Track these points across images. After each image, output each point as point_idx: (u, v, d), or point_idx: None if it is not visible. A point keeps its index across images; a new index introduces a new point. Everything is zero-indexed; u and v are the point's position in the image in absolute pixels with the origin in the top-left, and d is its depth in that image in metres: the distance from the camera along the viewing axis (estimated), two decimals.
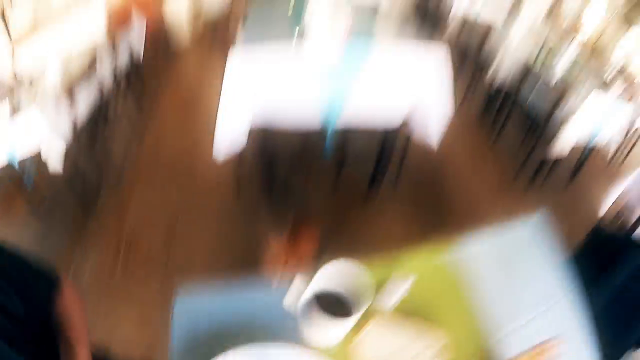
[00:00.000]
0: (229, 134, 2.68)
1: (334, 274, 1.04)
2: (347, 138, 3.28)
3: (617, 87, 3.80)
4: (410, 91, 2.76)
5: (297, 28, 2.93)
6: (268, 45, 2.69)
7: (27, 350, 1.01)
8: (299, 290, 1.06)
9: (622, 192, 2.85)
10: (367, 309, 1.03)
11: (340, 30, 2.61)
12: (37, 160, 3.06)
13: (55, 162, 3.08)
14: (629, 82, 3.94)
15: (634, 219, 2.35)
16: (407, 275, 1.19)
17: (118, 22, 4.34)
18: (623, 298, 2.12)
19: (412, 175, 3.76)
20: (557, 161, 3.97)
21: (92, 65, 3.69)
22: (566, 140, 3.63)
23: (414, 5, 9.01)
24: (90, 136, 3.74)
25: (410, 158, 3.60)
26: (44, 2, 4.53)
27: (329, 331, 1.02)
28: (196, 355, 1.01)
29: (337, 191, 3.54)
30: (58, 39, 4.05)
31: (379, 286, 1.16)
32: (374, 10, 3.76)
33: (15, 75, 3.34)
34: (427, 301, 1.17)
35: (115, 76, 4.23)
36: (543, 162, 3.98)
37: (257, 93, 2.59)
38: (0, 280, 1.02)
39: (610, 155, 4.18)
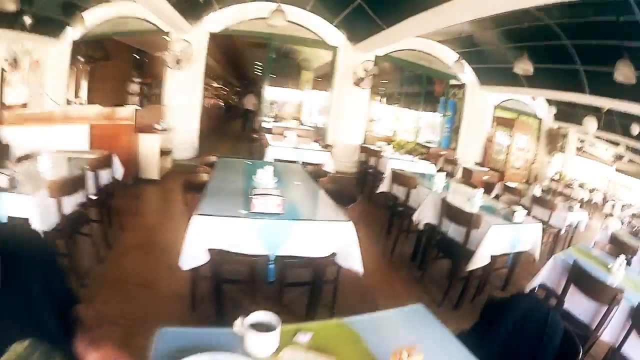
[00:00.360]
0: (192, 253, 3.19)
1: (261, 315, 1.68)
2: (286, 267, 3.74)
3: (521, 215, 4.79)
4: (330, 241, 3.49)
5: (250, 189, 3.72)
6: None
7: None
8: (241, 324, 1.64)
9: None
10: (286, 343, 1.65)
11: (276, 199, 3.37)
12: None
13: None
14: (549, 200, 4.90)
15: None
16: (314, 326, 1.84)
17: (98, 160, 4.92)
18: (516, 343, 2.35)
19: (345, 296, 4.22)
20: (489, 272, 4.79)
21: (81, 180, 4.23)
22: (481, 257, 4.38)
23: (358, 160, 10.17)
24: (70, 232, 4.09)
25: (342, 283, 4.10)
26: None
27: (261, 344, 1.58)
28: None
29: (280, 311, 3.83)
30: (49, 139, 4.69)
31: (297, 330, 1.76)
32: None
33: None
34: (329, 343, 1.74)
35: (97, 194, 4.81)
36: (469, 277, 4.62)
37: (216, 230, 3.20)
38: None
39: (535, 257, 4.97)
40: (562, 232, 7.52)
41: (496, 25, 9.62)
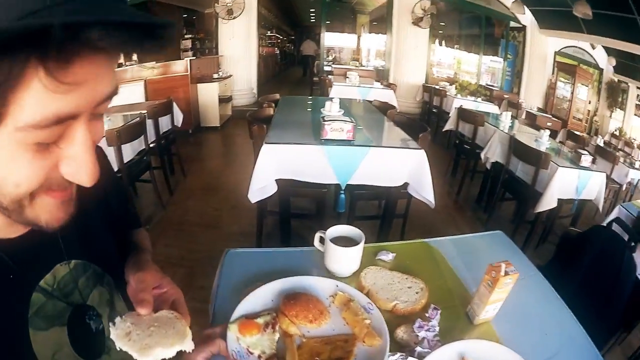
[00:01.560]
0: (261, 184, 3.11)
1: (342, 228, 1.52)
2: (356, 198, 3.62)
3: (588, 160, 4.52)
4: (403, 170, 3.36)
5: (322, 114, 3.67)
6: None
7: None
8: (320, 239, 1.51)
9: None
10: (368, 263, 1.52)
11: (347, 125, 3.24)
12: None
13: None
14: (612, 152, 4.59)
15: None
16: (396, 246, 1.70)
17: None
18: (595, 279, 2.26)
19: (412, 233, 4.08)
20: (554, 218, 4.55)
21: (140, 127, 4.19)
22: (549, 199, 4.17)
23: (422, 100, 9.92)
24: (130, 180, 4.13)
25: (409, 221, 4.03)
26: None
27: (344, 260, 1.45)
28: (236, 296, 1.29)
29: None
30: None
31: (379, 250, 1.63)
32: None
33: None
34: (412, 262, 1.61)
35: (156, 141, 4.80)
36: (535, 221, 4.44)
37: (285, 158, 3.13)
38: None
39: (598, 207, 4.68)
40: (623, 188, 7.05)
41: None
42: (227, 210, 4.62)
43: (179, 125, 5.51)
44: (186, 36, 11.50)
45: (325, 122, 3.21)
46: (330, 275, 1.47)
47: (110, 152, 3.69)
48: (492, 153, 5.21)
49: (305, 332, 1.20)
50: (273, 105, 4.61)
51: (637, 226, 3.49)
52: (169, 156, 5.42)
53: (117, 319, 0.79)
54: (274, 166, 3.11)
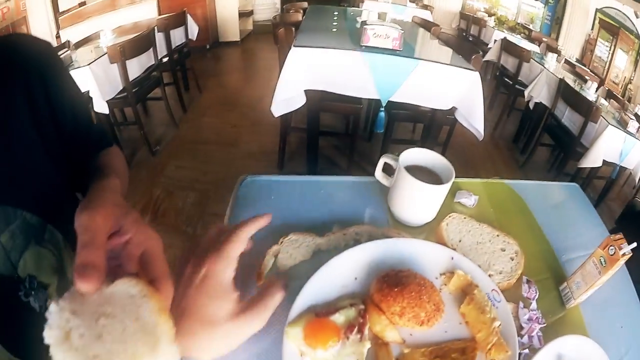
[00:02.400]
0: (287, 94, 2.78)
1: (418, 154, 1.07)
2: (394, 119, 3.33)
3: (635, 126, 4.21)
4: (453, 92, 2.99)
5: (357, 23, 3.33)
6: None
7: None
8: (385, 165, 1.07)
9: None
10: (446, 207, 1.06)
11: (394, 31, 2.83)
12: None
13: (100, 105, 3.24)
14: None
15: None
16: (474, 185, 1.26)
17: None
18: None
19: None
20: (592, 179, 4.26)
21: (147, 40, 3.85)
22: (595, 156, 3.89)
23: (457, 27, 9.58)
24: (138, 98, 3.82)
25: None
26: None
27: (424, 203, 1.03)
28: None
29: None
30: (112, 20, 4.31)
31: (455, 189, 1.19)
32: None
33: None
34: (498, 212, 1.20)
35: (168, 55, 4.50)
36: (575, 175, 4.17)
37: (317, 66, 2.75)
38: None
39: (636, 179, 4.31)
40: None
41: None
42: (246, 127, 4.34)
43: (194, 39, 5.17)
44: None
45: (368, 27, 2.81)
46: (395, 222, 1.05)
47: (114, 70, 3.43)
48: (537, 93, 4.87)
49: (407, 335, 0.76)
50: (301, 11, 4.25)
51: None
52: (183, 72, 5.12)
53: (52, 306, 0.45)
54: (303, 74, 2.76)
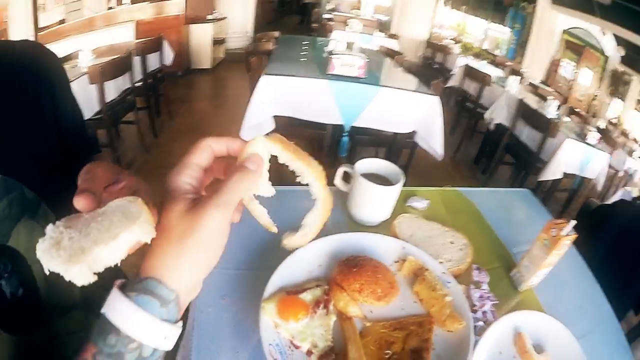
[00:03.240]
0: (257, 120, 2.89)
1: (371, 163, 1.23)
2: (357, 144, 3.44)
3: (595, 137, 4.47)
4: (413, 116, 3.18)
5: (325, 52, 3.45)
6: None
7: None
8: (341, 176, 1.22)
9: None
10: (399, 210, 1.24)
11: (359, 60, 3.01)
12: None
13: None
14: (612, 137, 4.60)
15: None
16: (427, 192, 1.46)
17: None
18: (619, 255, 2.18)
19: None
20: (553, 191, 4.43)
21: (125, 63, 3.91)
22: (554, 169, 4.07)
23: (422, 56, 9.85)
24: (112, 121, 3.84)
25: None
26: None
27: (378, 203, 1.18)
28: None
29: None
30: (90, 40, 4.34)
31: (409, 195, 1.38)
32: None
33: None
34: (448, 214, 1.37)
35: (143, 80, 4.54)
36: (536, 189, 4.29)
37: (286, 93, 2.89)
38: None
39: (598, 187, 4.61)
40: (620, 174, 7.02)
41: None
42: None
43: (169, 64, 5.24)
44: None
45: (334, 56, 2.99)
46: (354, 223, 1.20)
47: (91, 90, 3.46)
48: (498, 114, 5.06)
49: (367, 312, 0.89)
50: (273, 40, 4.40)
51: None
52: (155, 97, 5.14)
53: (49, 227, 0.49)
54: (273, 101, 2.90)
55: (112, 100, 3.77)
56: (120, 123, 4.26)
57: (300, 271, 0.93)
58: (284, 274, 0.89)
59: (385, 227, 1.20)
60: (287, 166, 0.62)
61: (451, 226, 1.25)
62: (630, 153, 7.20)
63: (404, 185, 1.22)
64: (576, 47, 13.90)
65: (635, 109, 17.34)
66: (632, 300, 2.18)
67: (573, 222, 1.10)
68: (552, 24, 13.05)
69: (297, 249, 0.66)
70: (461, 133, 5.98)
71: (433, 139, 3.22)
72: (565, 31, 13.76)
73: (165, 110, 5.38)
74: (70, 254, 0.47)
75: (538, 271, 1.11)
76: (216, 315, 0.89)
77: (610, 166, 6.24)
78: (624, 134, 13.40)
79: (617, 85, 16.23)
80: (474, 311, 1.00)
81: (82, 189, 0.54)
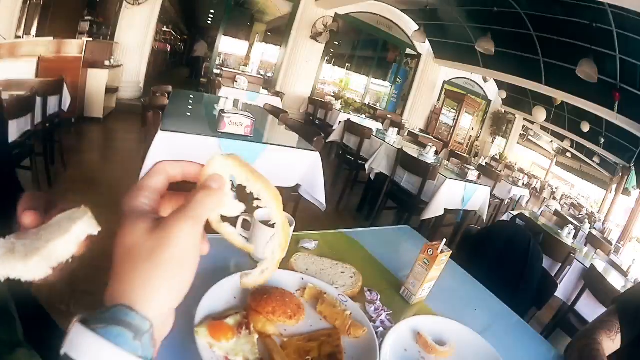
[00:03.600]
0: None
1: (266, 211, 1.49)
2: None
3: (474, 174, 5.06)
4: (296, 171, 3.53)
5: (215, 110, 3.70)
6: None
7: None
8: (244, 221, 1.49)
9: None
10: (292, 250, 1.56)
11: (247, 120, 3.27)
12: None
13: None
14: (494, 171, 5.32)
15: None
16: (315, 235, 1.77)
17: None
18: (504, 266, 2.49)
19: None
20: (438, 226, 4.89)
21: (29, 102, 3.74)
22: (435, 208, 4.48)
23: (305, 112, 10.30)
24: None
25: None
26: None
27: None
28: None
29: None
30: None
31: (299, 239, 1.69)
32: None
33: None
34: (334, 249, 1.69)
35: (41, 123, 4.28)
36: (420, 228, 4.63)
37: (180, 149, 3.05)
38: None
39: (483, 217, 5.21)
40: (505, 202, 7.97)
41: (463, 4, 9.94)
42: (108, 207, 4.35)
43: (66, 110, 5.12)
44: (86, 18, 10.93)
45: (225, 115, 3.19)
46: (255, 263, 1.46)
47: None
48: (377, 164, 5.48)
49: (282, 330, 1.10)
50: (166, 95, 4.49)
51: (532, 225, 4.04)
52: (51, 143, 4.95)
53: (0, 240, 0.54)
54: (168, 156, 2.95)
55: (13, 142, 3.52)
56: (18, 167, 3.97)
57: (219, 302, 1.11)
58: (207, 304, 1.06)
59: (283, 265, 1.40)
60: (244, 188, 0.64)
61: (340, 260, 1.56)
62: (515, 182, 8.22)
63: (295, 230, 1.52)
64: (456, 95, 15.17)
65: (519, 142, 19.05)
66: (529, 299, 2.53)
67: (444, 240, 1.43)
68: (434, 76, 14.13)
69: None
70: (342, 184, 6.32)
71: (316, 191, 3.53)
72: (446, 82, 14.95)
73: (59, 158, 5.18)
74: (27, 252, 0.52)
75: (424, 285, 1.44)
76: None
77: (494, 196, 7.02)
78: (509, 167, 14.70)
79: (500, 125, 17.81)
80: (373, 321, 1.29)
81: (28, 207, 0.61)
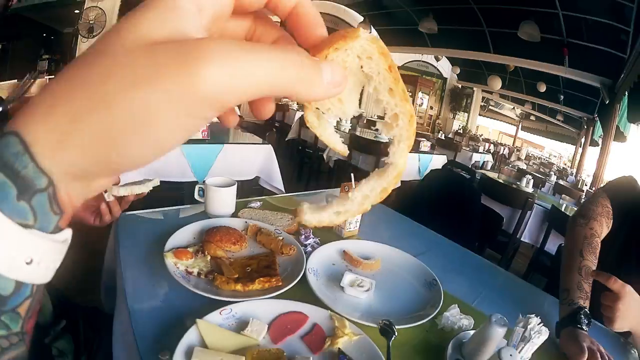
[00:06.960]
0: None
1: (215, 179, 1.80)
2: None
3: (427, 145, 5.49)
4: (254, 165, 3.80)
5: None
6: None
7: None
8: (200, 189, 1.79)
9: None
10: (241, 207, 1.87)
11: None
12: None
13: None
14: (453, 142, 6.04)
15: None
16: (263, 198, 2.10)
17: None
18: (443, 208, 2.63)
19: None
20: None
21: None
22: None
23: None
24: None
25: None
26: None
27: (225, 200, 1.73)
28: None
29: None
30: None
31: (248, 202, 1.98)
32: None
33: None
34: (277, 207, 1.98)
35: None
36: None
37: None
38: None
39: None
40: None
41: None
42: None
43: None
44: (44, 56, 11.02)
45: None
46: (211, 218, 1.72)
47: None
48: (334, 152, 5.67)
49: (230, 255, 1.41)
50: None
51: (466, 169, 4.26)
52: None
53: None
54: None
55: None
56: None
57: (183, 239, 1.44)
58: (172, 242, 1.39)
59: (232, 216, 1.77)
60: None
61: (279, 212, 1.86)
62: (475, 149, 8.74)
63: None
64: (409, 78, 15.42)
65: (481, 114, 19.11)
66: (474, 233, 2.74)
67: (352, 175, 1.55)
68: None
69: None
70: (307, 177, 6.69)
71: (273, 180, 3.82)
72: (400, 67, 15.10)
73: None
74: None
75: (352, 220, 1.75)
76: (138, 261, 1.34)
77: (457, 163, 7.33)
78: (474, 138, 14.90)
79: (459, 100, 18.03)
80: (304, 246, 1.58)
81: None
